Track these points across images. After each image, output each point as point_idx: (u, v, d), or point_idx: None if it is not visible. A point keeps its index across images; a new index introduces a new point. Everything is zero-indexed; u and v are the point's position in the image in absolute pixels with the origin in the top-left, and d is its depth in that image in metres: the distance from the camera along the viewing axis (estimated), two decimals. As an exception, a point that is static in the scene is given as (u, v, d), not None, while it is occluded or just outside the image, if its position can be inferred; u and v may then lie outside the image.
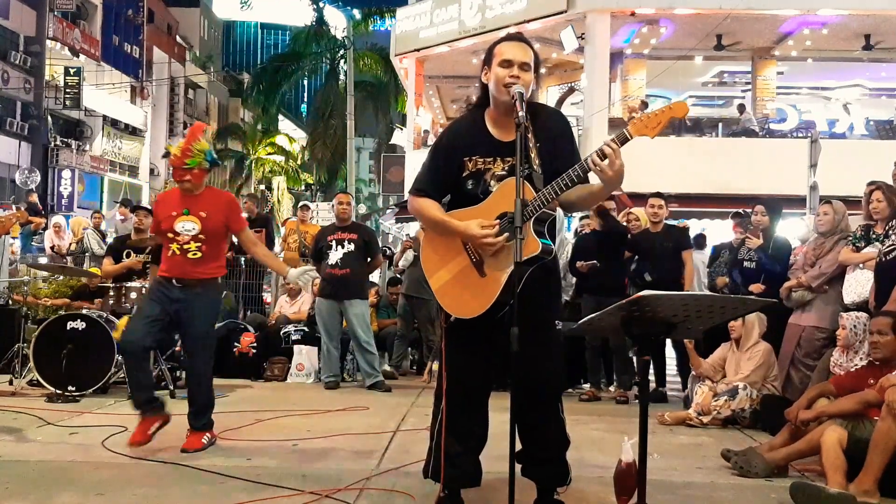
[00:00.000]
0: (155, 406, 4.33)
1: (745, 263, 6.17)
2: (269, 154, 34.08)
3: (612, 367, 6.88)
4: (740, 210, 7.47)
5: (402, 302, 7.99)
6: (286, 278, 4.56)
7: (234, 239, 4.86)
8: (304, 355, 7.43)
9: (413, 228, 15.37)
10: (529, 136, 2.91)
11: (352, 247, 6.93)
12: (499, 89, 2.94)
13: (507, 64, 2.92)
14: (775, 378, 5.50)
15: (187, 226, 4.37)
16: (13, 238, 11.24)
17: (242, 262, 9.93)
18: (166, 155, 4.67)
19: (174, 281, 4.37)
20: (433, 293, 3.11)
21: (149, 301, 4.49)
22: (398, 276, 8.71)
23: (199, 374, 4.47)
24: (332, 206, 7.73)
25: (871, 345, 4.17)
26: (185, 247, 4.37)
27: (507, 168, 2.97)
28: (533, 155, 2.91)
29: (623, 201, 7.91)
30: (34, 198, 17.55)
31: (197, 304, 4.37)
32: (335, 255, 6.93)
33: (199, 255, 4.36)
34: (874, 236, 5.09)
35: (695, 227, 12.75)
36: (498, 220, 2.91)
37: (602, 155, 2.76)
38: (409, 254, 7.96)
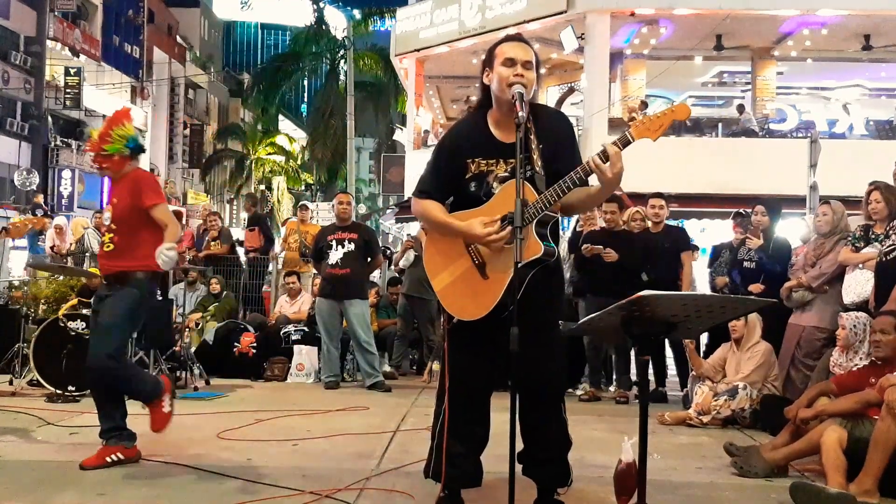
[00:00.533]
0: (121, 435, 3.95)
1: (745, 263, 6.17)
2: (270, 154, 34.11)
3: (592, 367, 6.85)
4: (741, 210, 7.46)
5: (402, 302, 7.99)
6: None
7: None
8: (304, 355, 7.43)
9: (414, 228, 15.37)
10: (532, 137, 2.91)
11: (352, 247, 6.94)
12: (502, 88, 2.93)
13: (510, 63, 2.91)
14: (776, 378, 5.51)
15: (105, 216, 4.09)
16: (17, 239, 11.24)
17: (243, 262, 9.95)
18: (88, 138, 4.42)
19: (104, 280, 4.08)
20: (436, 295, 3.11)
21: (92, 313, 4.23)
22: (398, 275, 8.71)
23: (95, 370, 3.92)
24: (333, 205, 7.74)
25: (873, 344, 4.18)
26: (103, 239, 4.08)
27: (509, 170, 2.96)
28: (535, 156, 2.90)
29: (624, 201, 7.90)
30: (40, 198, 17.60)
31: (109, 299, 3.95)
32: (335, 255, 6.93)
33: (112, 246, 4.00)
34: (873, 236, 5.10)
35: (695, 227, 12.77)
36: (499, 222, 2.90)
37: (604, 157, 2.75)
38: (411, 254, 7.96)
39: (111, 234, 4.00)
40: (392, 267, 9.98)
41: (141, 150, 4.17)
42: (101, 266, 4.09)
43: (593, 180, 2.87)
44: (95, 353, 3.90)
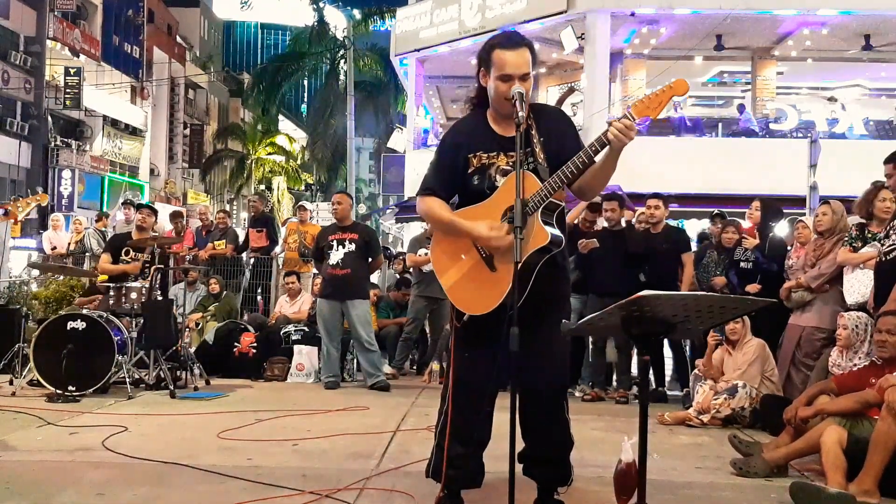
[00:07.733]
0: None
1: (742, 264, 6.18)
2: (270, 154, 34.11)
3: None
4: (718, 210, 7.37)
5: (422, 304, 7.84)
6: None
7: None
8: (304, 355, 7.43)
9: (414, 228, 15.34)
10: (532, 132, 2.91)
11: (352, 247, 6.94)
12: (499, 101, 2.94)
13: (506, 79, 2.89)
14: (773, 373, 5.50)
15: None
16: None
17: (244, 262, 9.95)
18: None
19: None
20: (444, 292, 3.10)
21: None
22: (401, 276, 8.70)
23: None
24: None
25: (878, 343, 4.14)
26: None
27: (511, 162, 2.96)
28: (537, 149, 2.91)
29: (625, 201, 7.88)
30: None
31: None
32: (336, 255, 6.94)
33: None
34: (869, 235, 5.09)
35: (695, 227, 12.75)
36: (506, 223, 2.87)
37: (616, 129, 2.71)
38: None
39: None
40: (394, 269, 9.98)
41: None
42: None
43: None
44: None
